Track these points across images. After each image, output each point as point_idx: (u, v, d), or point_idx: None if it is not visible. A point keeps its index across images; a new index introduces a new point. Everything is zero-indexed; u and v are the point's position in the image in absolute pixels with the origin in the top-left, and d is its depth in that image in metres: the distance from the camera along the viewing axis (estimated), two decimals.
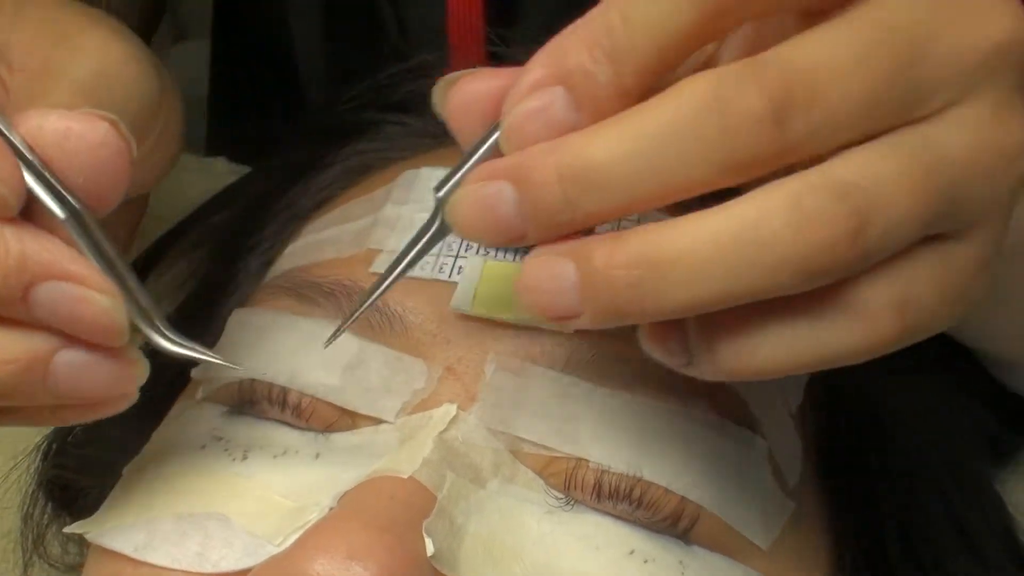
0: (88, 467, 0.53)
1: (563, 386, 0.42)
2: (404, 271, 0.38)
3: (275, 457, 0.43)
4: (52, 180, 0.36)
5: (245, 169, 0.69)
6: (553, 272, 0.33)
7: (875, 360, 0.50)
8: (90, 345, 0.37)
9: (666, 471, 0.41)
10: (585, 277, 0.33)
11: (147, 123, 0.42)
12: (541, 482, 0.41)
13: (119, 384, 0.38)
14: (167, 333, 0.38)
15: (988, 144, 0.34)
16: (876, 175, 0.32)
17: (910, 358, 0.53)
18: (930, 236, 0.34)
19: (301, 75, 0.73)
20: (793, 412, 0.46)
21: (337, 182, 0.53)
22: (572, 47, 0.33)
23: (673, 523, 0.41)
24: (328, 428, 0.43)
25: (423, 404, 0.42)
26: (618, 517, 0.41)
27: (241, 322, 0.47)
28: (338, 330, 0.40)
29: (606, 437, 0.41)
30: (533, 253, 0.34)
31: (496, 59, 0.58)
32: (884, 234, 0.32)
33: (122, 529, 0.42)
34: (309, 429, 0.43)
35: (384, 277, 0.38)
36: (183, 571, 0.40)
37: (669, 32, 0.33)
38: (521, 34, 0.59)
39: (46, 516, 0.57)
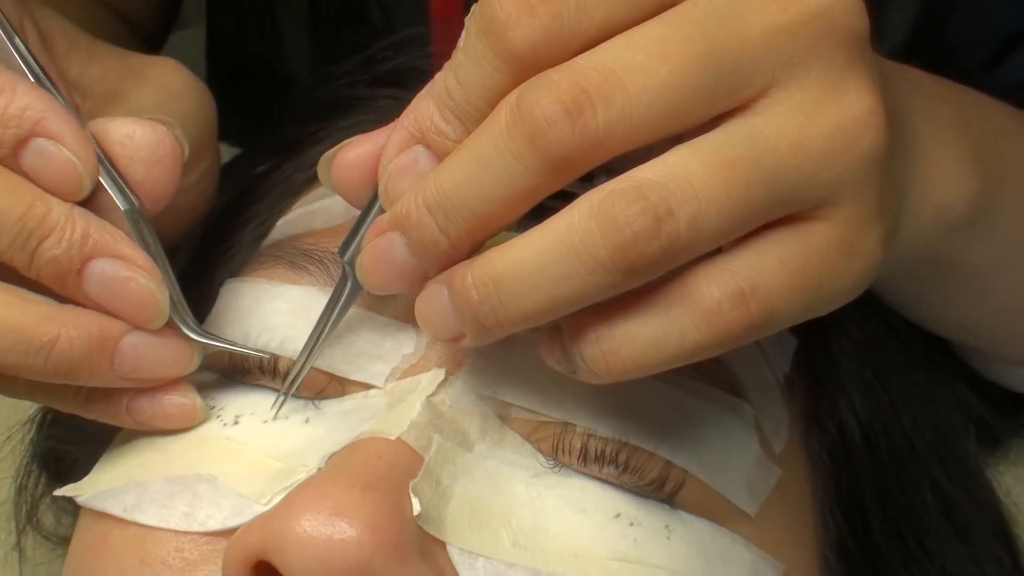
0: (81, 437, 0.53)
1: None
2: (331, 332, 0.42)
3: (265, 422, 0.43)
4: (116, 176, 0.41)
5: None
6: (432, 298, 0.37)
7: (863, 335, 0.51)
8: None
9: (651, 435, 0.41)
10: (453, 299, 0.36)
11: (199, 153, 0.47)
12: (529, 446, 0.42)
13: (176, 366, 0.42)
14: (194, 326, 0.42)
15: (819, 121, 0.35)
16: (678, 172, 0.34)
17: (897, 338, 0.53)
18: (781, 220, 0.35)
19: (288, 59, 0.74)
20: (780, 380, 0.46)
21: None
22: (425, 110, 0.37)
23: (659, 487, 0.41)
24: (318, 395, 0.44)
25: (412, 369, 0.42)
26: (605, 481, 0.41)
27: (233, 291, 0.47)
28: (282, 398, 0.43)
29: (593, 402, 0.41)
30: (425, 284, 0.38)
31: None
32: (692, 225, 0.33)
33: (112, 492, 0.42)
34: (299, 396, 0.44)
35: (312, 341, 0.42)
36: (170, 530, 0.40)
37: (494, 89, 0.36)
38: None
39: (40, 487, 0.58)
